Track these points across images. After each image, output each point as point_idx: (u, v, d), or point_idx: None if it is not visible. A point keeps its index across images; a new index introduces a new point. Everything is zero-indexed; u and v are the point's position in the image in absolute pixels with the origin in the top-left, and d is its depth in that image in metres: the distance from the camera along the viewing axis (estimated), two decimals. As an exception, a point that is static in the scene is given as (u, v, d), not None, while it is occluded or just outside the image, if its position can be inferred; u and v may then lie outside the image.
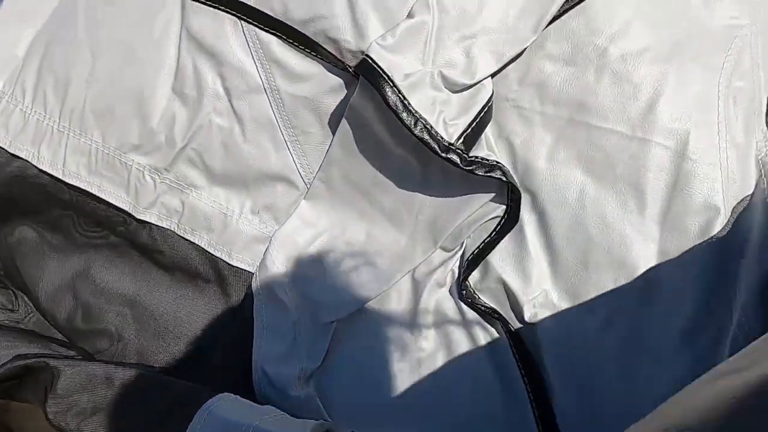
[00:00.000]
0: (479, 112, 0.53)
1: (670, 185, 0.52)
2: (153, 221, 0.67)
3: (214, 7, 0.62)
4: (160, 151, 0.67)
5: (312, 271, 0.61)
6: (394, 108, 0.51)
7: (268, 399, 0.58)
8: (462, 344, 0.59)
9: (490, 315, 0.58)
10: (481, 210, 0.57)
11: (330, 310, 0.60)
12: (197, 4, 0.63)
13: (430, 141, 0.51)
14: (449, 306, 0.61)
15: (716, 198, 0.50)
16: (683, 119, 0.52)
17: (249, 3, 0.61)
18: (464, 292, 0.59)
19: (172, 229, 0.67)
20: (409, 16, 0.54)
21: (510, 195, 0.55)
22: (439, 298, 0.61)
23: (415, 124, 0.51)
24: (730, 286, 0.50)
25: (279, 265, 0.62)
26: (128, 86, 0.65)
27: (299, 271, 0.61)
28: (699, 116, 0.52)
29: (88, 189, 0.67)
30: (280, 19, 0.59)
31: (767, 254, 0.49)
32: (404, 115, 0.51)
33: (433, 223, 0.59)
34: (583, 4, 0.54)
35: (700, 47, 0.53)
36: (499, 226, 0.56)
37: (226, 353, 0.62)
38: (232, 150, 0.64)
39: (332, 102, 0.59)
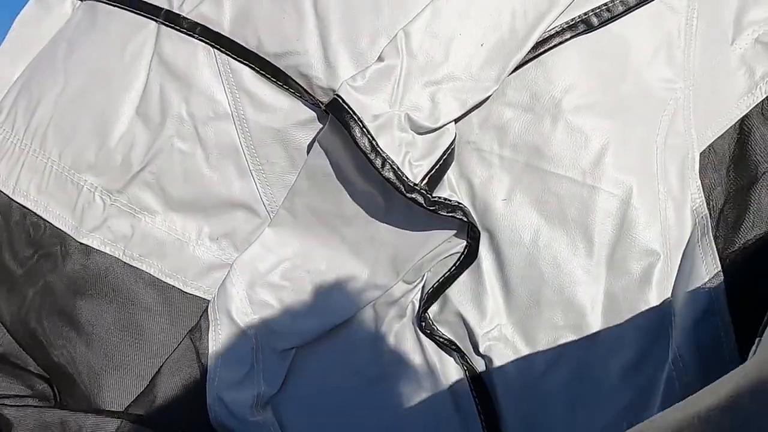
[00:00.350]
0: (442, 155, 0.55)
1: (617, 230, 0.55)
2: (95, 245, 0.66)
3: (189, 35, 0.63)
4: (114, 171, 0.66)
5: (273, 298, 0.61)
6: (363, 148, 0.53)
7: (224, 427, 0.58)
8: (421, 374, 0.61)
9: (447, 346, 0.60)
10: (442, 246, 0.59)
11: (290, 337, 0.60)
12: (173, 30, 0.63)
13: (396, 181, 0.53)
14: (409, 337, 0.62)
15: (656, 244, 0.55)
16: (628, 170, 0.56)
17: (223, 33, 0.62)
18: (423, 323, 0.61)
19: (116, 256, 0.66)
20: (380, 59, 0.56)
21: (470, 233, 0.57)
22: (399, 328, 0.62)
23: (383, 165, 0.53)
24: (666, 327, 0.54)
25: (239, 290, 0.61)
26: (93, 106, 0.65)
27: (260, 297, 0.61)
28: (641, 168, 0.56)
29: (33, 209, 0.66)
30: (254, 50, 0.61)
31: (699, 295, 0.53)
32: (372, 155, 0.53)
33: (394, 256, 0.60)
34: (541, 57, 0.58)
35: (641, 105, 0.58)
36: (458, 262, 0.58)
37: (179, 387, 0.60)
38: (193, 175, 0.64)
39: (300, 135, 0.61)
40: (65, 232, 0.66)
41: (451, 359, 0.61)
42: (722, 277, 0.53)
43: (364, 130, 0.54)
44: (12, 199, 0.67)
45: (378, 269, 0.61)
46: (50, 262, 0.66)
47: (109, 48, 0.67)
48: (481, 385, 0.58)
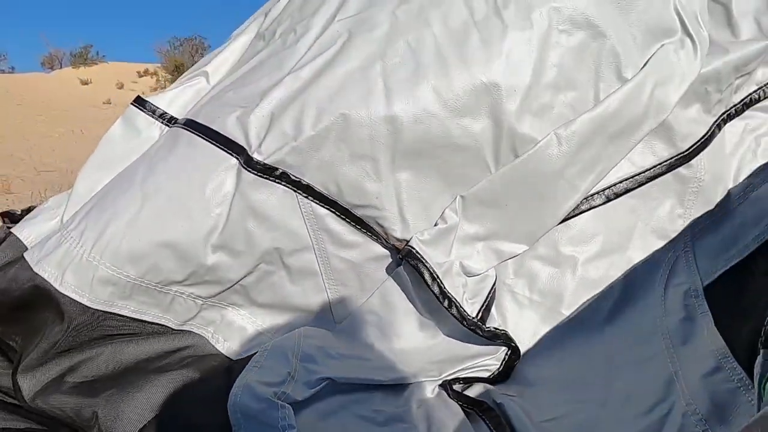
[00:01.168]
0: (488, 293, 0.72)
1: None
2: (190, 330, 0.77)
3: (268, 179, 0.71)
4: (204, 287, 0.75)
5: (321, 361, 0.71)
6: (434, 291, 0.69)
7: (243, 409, 0.62)
8: (442, 425, 0.66)
9: (473, 411, 0.69)
10: (479, 360, 0.75)
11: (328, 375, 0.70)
12: (254, 176, 0.71)
13: (460, 318, 0.69)
14: (433, 395, 0.72)
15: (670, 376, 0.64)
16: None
17: (305, 181, 0.72)
18: (450, 392, 0.73)
19: (206, 337, 0.77)
20: (442, 218, 0.74)
21: (509, 357, 0.72)
22: (426, 388, 0.73)
23: (450, 305, 0.69)
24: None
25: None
26: (172, 233, 0.70)
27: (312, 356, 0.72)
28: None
29: (119, 312, 0.71)
30: (335, 199, 0.73)
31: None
32: (441, 297, 0.69)
33: (440, 362, 0.76)
34: (567, 222, 0.72)
35: (645, 263, 0.73)
36: (492, 376, 0.74)
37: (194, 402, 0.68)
38: (278, 289, 0.77)
39: (372, 267, 0.77)
40: (162, 324, 0.74)
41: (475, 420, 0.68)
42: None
43: (434, 275, 0.69)
44: (88, 307, 0.70)
45: (424, 369, 0.76)
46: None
47: (189, 178, 0.72)
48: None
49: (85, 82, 16.54)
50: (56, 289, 0.68)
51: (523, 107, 0.69)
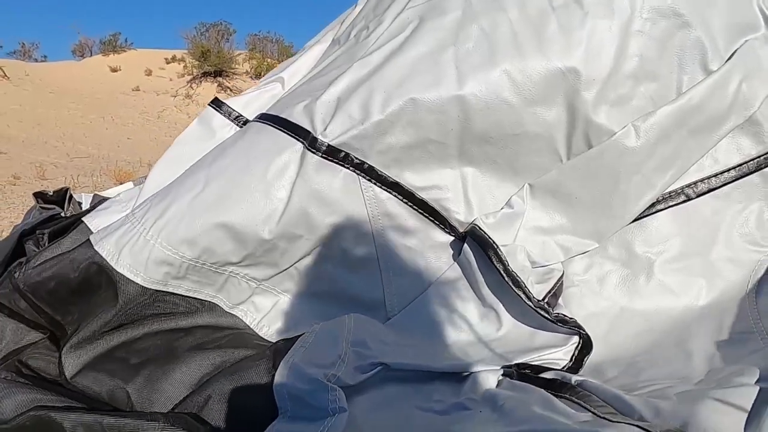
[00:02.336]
0: (554, 284, 0.65)
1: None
2: (239, 315, 0.75)
3: (332, 161, 0.71)
4: (260, 269, 0.74)
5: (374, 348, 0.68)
6: (498, 269, 0.65)
7: (290, 390, 0.60)
8: (513, 403, 0.61)
9: (548, 390, 0.63)
10: (547, 351, 0.69)
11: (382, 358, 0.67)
12: (316, 155, 0.71)
13: (525, 297, 0.63)
14: (492, 379, 0.67)
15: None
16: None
17: (369, 163, 0.71)
18: (513, 376, 0.67)
19: (253, 324, 0.76)
20: (508, 204, 0.67)
21: (579, 350, 0.66)
22: (489, 378, 0.67)
23: (515, 284, 0.64)
24: None
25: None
26: (230, 216, 0.70)
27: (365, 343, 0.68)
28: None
29: (174, 291, 0.72)
30: (399, 181, 0.70)
31: None
32: (505, 275, 0.64)
33: (503, 354, 0.70)
34: (641, 220, 0.66)
35: (730, 268, 0.66)
36: (565, 368, 0.67)
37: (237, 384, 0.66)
38: (333, 276, 0.75)
39: (432, 257, 0.73)
40: (214, 303, 0.74)
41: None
42: None
43: (500, 253, 0.65)
44: (142, 286, 0.71)
45: (486, 360, 0.70)
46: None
47: (253, 161, 0.72)
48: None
49: (114, 69, 16.76)
50: (112, 268, 0.69)
51: (600, 97, 0.66)
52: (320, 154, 0.71)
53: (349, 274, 0.74)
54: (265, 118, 0.76)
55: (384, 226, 0.72)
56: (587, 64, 0.66)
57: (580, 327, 0.66)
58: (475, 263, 0.69)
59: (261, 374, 0.63)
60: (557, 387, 0.61)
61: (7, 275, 0.72)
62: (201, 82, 15.93)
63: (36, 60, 20.46)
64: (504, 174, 0.70)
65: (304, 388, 0.59)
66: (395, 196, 0.71)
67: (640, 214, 0.68)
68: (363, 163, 0.70)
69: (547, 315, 0.65)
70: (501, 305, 0.70)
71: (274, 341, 0.75)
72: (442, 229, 0.72)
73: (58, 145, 9.83)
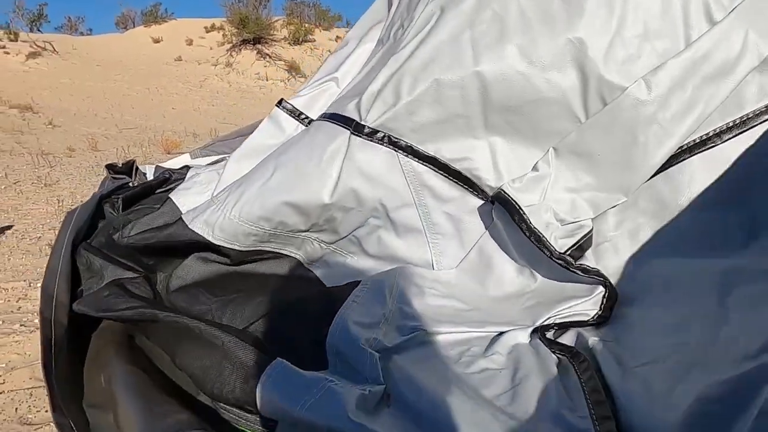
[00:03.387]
0: (580, 239, 0.69)
1: None
2: (313, 270, 0.88)
3: (372, 141, 0.80)
4: (325, 234, 0.86)
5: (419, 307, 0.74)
6: (521, 227, 0.70)
7: (336, 347, 0.66)
8: (531, 371, 0.64)
9: (564, 357, 0.65)
10: (574, 303, 0.71)
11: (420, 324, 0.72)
12: (359, 138, 0.80)
13: (545, 250, 0.69)
14: (524, 340, 0.70)
15: None
16: None
17: (405, 140, 0.79)
18: (542, 339, 0.69)
19: (323, 280, 0.86)
20: (534, 168, 0.73)
21: (606, 299, 0.68)
22: (518, 336, 0.70)
23: (538, 240, 0.69)
24: None
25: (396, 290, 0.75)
26: (293, 196, 0.81)
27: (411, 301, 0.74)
28: None
29: (263, 249, 0.85)
30: (433, 155, 0.78)
31: None
32: (527, 232, 0.69)
33: (535, 306, 0.73)
34: (668, 170, 0.68)
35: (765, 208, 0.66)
36: (591, 321, 0.69)
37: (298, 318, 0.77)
38: (385, 242, 0.84)
39: (470, 220, 0.79)
40: (295, 258, 0.86)
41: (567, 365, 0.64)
42: None
43: (522, 213, 0.70)
44: (241, 250, 0.84)
45: (518, 316, 0.73)
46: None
47: (311, 151, 0.83)
48: (597, 397, 0.59)
49: (156, 40, 17.04)
50: (209, 241, 0.83)
51: (609, 57, 0.70)
52: (363, 136, 0.79)
53: (398, 239, 0.81)
54: (324, 116, 0.89)
55: (424, 195, 0.78)
56: (591, 30, 0.70)
57: (602, 276, 0.68)
58: (502, 225, 0.74)
59: (318, 315, 0.72)
60: (573, 356, 0.63)
61: (104, 235, 0.85)
62: (240, 50, 16.02)
63: (82, 34, 20.99)
64: (528, 141, 0.75)
65: (349, 351, 0.64)
66: (431, 168, 0.77)
67: (666, 164, 0.69)
68: (399, 140, 0.78)
69: (566, 265, 0.68)
70: (531, 265, 0.74)
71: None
72: (476, 195, 0.77)
73: (107, 116, 10.18)
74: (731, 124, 0.68)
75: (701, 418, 0.49)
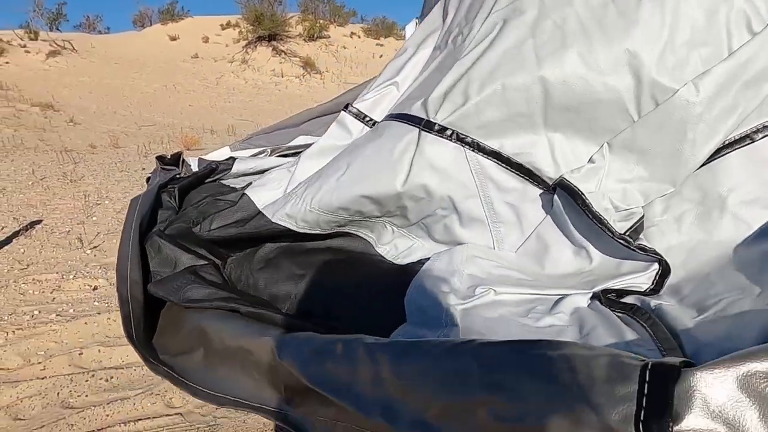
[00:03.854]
0: (634, 224, 0.76)
1: None
2: (384, 255, 0.97)
3: (442, 137, 0.87)
4: (398, 218, 0.96)
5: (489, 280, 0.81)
6: (585, 210, 0.75)
7: (415, 302, 0.76)
8: (597, 325, 0.69)
9: (626, 314, 0.70)
10: (631, 276, 0.76)
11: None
12: (429, 134, 0.88)
13: (608, 231, 0.74)
14: (584, 303, 0.76)
15: None
16: None
17: (472, 137, 0.86)
18: (602, 301, 0.75)
19: (389, 259, 0.96)
20: (590, 160, 0.80)
21: (659, 275, 0.73)
22: (579, 300, 0.76)
23: (600, 222, 0.75)
24: None
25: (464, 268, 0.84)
26: (367, 188, 0.91)
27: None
28: None
29: (342, 231, 0.96)
30: (497, 150, 0.86)
31: None
32: (589, 215, 0.75)
33: (593, 280, 0.79)
34: (710, 163, 0.75)
35: None
36: (644, 293, 0.75)
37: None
38: (450, 230, 0.92)
39: (530, 208, 0.85)
40: (362, 246, 0.97)
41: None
42: None
43: (585, 198, 0.76)
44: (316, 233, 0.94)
45: (578, 287, 0.79)
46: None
47: (382, 147, 0.91)
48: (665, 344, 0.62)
49: (173, 38, 17.21)
50: (294, 230, 0.93)
51: (660, 63, 0.77)
52: (433, 132, 0.87)
53: (462, 228, 0.89)
54: (390, 116, 0.98)
55: (488, 187, 0.86)
56: (645, 39, 0.77)
57: (658, 254, 0.74)
58: (563, 210, 0.80)
59: (392, 288, 0.82)
60: (634, 311, 0.69)
61: (178, 226, 0.96)
62: (256, 46, 16.12)
63: (100, 32, 21.24)
64: (584, 137, 0.81)
65: (426, 303, 0.75)
66: (495, 162, 0.85)
67: (709, 159, 0.75)
68: (466, 137, 0.86)
69: (628, 244, 0.74)
70: (590, 243, 0.80)
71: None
72: (536, 185, 0.84)
73: (126, 114, 10.32)
74: (766, 124, 0.75)
75: None
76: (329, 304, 0.82)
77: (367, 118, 1.11)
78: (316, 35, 17.21)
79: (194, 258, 0.88)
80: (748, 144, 0.75)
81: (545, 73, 0.80)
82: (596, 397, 0.40)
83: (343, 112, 1.15)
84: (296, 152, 1.30)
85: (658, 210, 0.79)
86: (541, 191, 0.84)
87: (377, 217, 0.93)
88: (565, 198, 0.79)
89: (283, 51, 16.05)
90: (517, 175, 0.84)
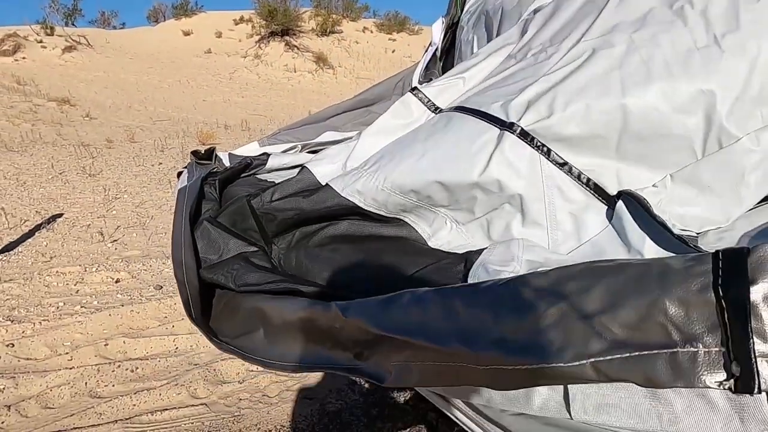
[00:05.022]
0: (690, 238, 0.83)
1: None
2: (437, 247, 1.01)
3: (526, 142, 0.94)
4: (461, 212, 1.00)
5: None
6: (655, 217, 0.83)
7: (482, 277, 0.81)
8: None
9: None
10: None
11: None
12: (514, 137, 0.94)
13: (675, 237, 0.81)
14: None
15: None
16: None
17: (548, 145, 0.93)
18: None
19: (445, 251, 1.00)
20: (654, 185, 0.89)
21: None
22: None
23: (660, 223, 0.82)
24: None
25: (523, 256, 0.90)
26: (445, 172, 0.96)
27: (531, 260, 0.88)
28: None
29: (404, 218, 1.01)
30: (569, 162, 0.93)
31: None
32: (653, 217, 0.83)
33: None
34: (765, 205, 0.85)
35: None
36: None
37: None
38: (510, 229, 0.97)
39: (590, 218, 0.92)
40: (421, 236, 1.01)
41: None
42: None
43: (648, 204, 0.85)
44: (380, 215, 1.00)
45: None
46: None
47: (460, 139, 0.98)
48: None
49: (186, 33, 17.29)
50: (361, 207, 0.98)
51: (731, 111, 0.86)
52: (516, 134, 0.94)
53: (523, 228, 0.94)
54: (466, 111, 1.03)
55: (554, 195, 0.92)
56: (722, 87, 0.86)
57: (708, 252, 0.79)
58: (624, 216, 0.86)
59: (451, 276, 0.88)
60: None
61: (239, 201, 0.99)
62: (269, 41, 16.15)
63: (114, 27, 21.37)
64: (651, 166, 0.90)
65: (488, 278, 0.78)
66: (566, 173, 0.92)
67: (762, 200, 0.86)
68: (544, 146, 0.93)
69: (686, 243, 0.80)
70: (644, 247, 0.84)
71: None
72: (600, 200, 0.92)
73: (141, 109, 10.40)
74: None
75: None
76: (376, 293, 0.85)
77: (430, 103, 1.18)
78: (328, 30, 17.21)
79: (243, 244, 0.92)
80: None
81: (628, 102, 0.88)
82: (675, 277, 0.46)
83: (409, 93, 1.22)
84: (325, 148, 1.32)
85: (712, 239, 0.85)
86: (605, 206, 0.91)
87: (444, 206, 0.98)
88: (628, 202, 0.86)
89: (295, 46, 16.07)
90: (584, 188, 0.91)
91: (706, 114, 0.86)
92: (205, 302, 0.86)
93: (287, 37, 16.19)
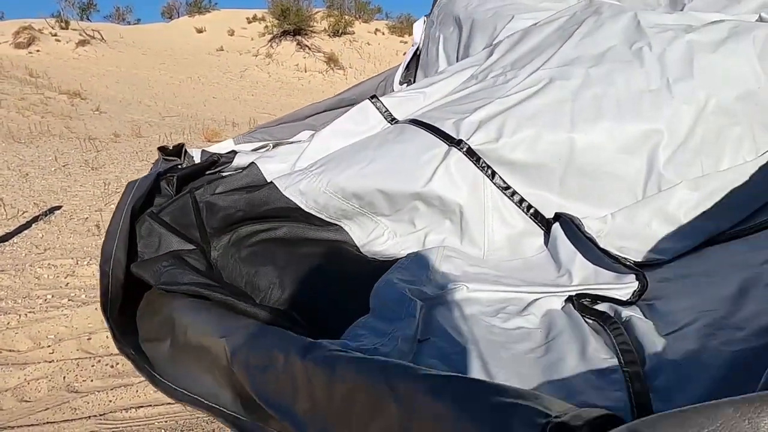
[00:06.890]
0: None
1: None
2: (372, 255, 0.97)
3: (471, 161, 0.94)
4: (402, 224, 0.99)
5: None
6: (579, 229, 0.84)
7: (380, 296, 0.77)
8: (564, 330, 0.70)
9: (596, 321, 0.71)
10: (614, 285, 0.79)
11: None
12: (460, 154, 0.94)
13: (595, 245, 0.82)
14: (558, 306, 0.78)
15: None
16: None
17: (494, 169, 0.94)
18: (575, 305, 0.76)
19: (378, 260, 0.96)
20: (594, 221, 0.88)
21: (639, 287, 0.76)
22: (553, 301, 0.78)
23: (588, 238, 0.83)
24: None
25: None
26: (387, 182, 0.95)
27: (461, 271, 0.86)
28: None
29: (340, 225, 0.99)
30: (512, 187, 0.93)
31: None
32: (583, 234, 0.83)
33: (573, 286, 0.82)
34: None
35: None
36: (622, 301, 0.76)
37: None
38: (448, 243, 0.95)
39: (526, 242, 0.93)
40: (354, 242, 0.99)
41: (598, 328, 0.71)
42: None
43: (580, 224, 0.86)
44: (324, 219, 0.98)
45: (555, 285, 0.82)
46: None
47: (409, 151, 0.98)
48: (629, 357, 0.62)
49: (199, 30, 17.38)
50: (301, 208, 0.96)
51: (671, 158, 0.89)
52: (462, 152, 0.94)
53: (461, 246, 0.93)
54: (419, 124, 1.04)
55: (494, 216, 0.93)
56: (667, 133, 0.89)
57: (637, 268, 0.78)
58: (562, 233, 0.87)
59: (371, 286, 0.82)
60: (604, 319, 0.70)
61: (184, 198, 0.97)
62: (281, 41, 16.19)
63: (129, 23, 21.55)
64: (592, 204, 0.91)
65: (390, 298, 0.76)
66: (508, 197, 0.93)
67: (703, 243, 0.86)
68: (489, 167, 0.94)
69: (612, 256, 0.80)
70: (575, 265, 0.84)
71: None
72: (538, 225, 0.93)
73: (151, 104, 10.46)
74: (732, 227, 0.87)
75: (730, 377, 0.55)
76: (305, 297, 0.82)
77: (387, 113, 1.19)
78: (340, 31, 17.23)
79: (183, 242, 0.90)
80: (731, 238, 0.86)
81: (575, 136, 0.90)
82: None
83: (367, 101, 1.21)
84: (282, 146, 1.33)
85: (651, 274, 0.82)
86: (539, 229, 0.92)
87: (385, 215, 0.97)
88: (563, 222, 0.87)
89: (307, 46, 16.10)
90: (525, 214, 0.92)
91: (648, 157, 0.89)
92: (130, 301, 0.82)
93: (299, 37, 16.23)
